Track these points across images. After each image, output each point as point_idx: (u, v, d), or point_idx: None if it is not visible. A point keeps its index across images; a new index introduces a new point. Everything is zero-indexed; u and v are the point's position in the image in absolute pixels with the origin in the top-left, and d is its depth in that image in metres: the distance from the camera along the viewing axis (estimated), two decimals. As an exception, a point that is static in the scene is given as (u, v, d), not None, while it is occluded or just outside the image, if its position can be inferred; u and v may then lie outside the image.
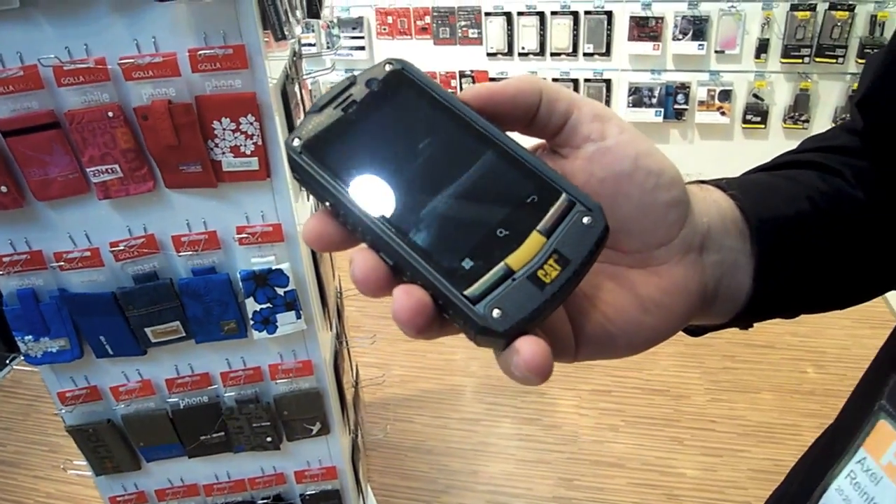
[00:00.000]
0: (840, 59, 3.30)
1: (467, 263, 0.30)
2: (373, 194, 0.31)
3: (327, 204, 0.32)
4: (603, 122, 0.36)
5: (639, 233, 0.37)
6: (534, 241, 0.31)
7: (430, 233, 0.31)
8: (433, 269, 0.30)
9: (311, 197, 0.34)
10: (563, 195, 0.32)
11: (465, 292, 0.30)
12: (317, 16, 1.45)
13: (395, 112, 0.34)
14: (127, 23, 1.16)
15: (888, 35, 3.18)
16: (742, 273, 0.41)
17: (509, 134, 0.35)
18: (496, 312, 0.29)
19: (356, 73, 0.35)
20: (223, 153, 1.26)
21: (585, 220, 0.32)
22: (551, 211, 0.32)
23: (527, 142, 0.39)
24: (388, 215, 0.31)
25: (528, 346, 0.29)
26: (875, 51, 0.47)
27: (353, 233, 0.32)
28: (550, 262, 0.31)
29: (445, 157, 0.33)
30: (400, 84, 0.35)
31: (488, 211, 0.32)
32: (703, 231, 0.39)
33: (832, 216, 0.44)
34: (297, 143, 0.33)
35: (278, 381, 1.54)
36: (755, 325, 0.46)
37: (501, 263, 0.30)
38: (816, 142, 0.51)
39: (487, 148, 0.33)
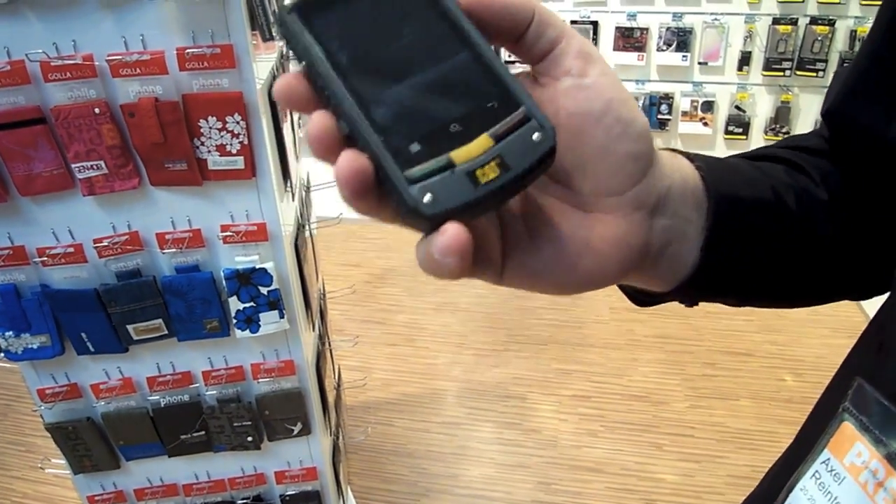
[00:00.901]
0: (820, 73, 3.36)
1: (414, 147, 0.32)
2: (347, 65, 0.33)
3: (303, 63, 0.34)
4: (587, 60, 0.36)
5: (593, 175, 0.37)
6: (481, 142, 0.32)
7: (389, 112, 0.32)
8: (383, 144, 0.32)
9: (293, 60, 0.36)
10: (522, 108, 0.33)
11: (405, 172, 0.31)
12: (305, 18, 1.46)
13: None
14: (115, 19, 1.16)
15: (867, 50, 3.25)
16: (691, 243, 0.41)
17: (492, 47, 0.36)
18: (428, 197, 0.31)
19: None
20: (209, 151, 1.26)
21: (535, 136, 0.33)
22: (506, 119, 0.33)
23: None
24: (355, 87, 0.32)
25: (452, 228, 0.31)
26: (845, 65, 0.49)
27: (319, 96, 0.34)
28: (492, 164, 0.32)
29: (423, 47, 0.34)
30: None
31: (448, 105, 0.33)
32: (661, 193, 0.39)
33: (791, 210, 0.45)
34: (289, 1, 0.34)
35: (260, 381, 1.54)
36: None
37: (445, 155, 0.32)
38: (792, 141, 0.52)
39: (464, 48, 0.34)
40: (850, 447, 0.36)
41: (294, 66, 0.35)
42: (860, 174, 0.47)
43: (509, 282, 0.38)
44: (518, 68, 0.39)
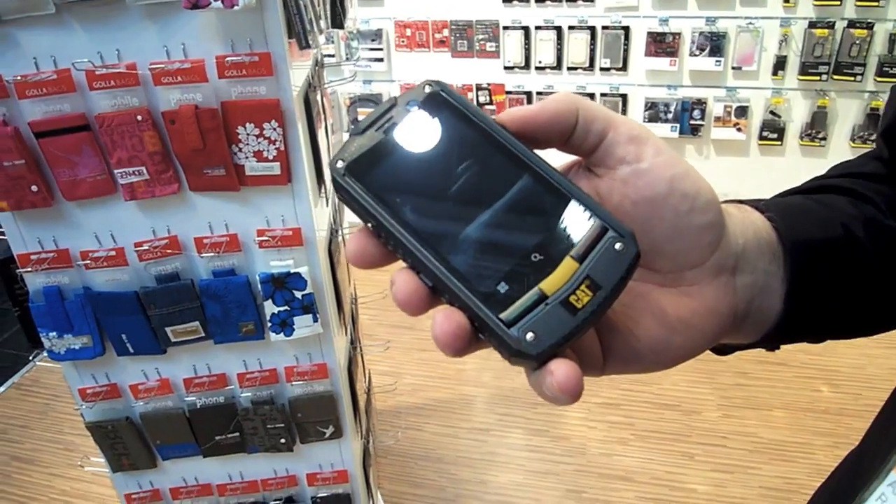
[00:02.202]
0: (858, 77, 3.30)
1: (503, 287, 0.31)
2: (413, 217, 0.33)
3: (369, 225, 0.34)
4: (639, 144, 0.36)
5: (671, 254, 0.37)
6: (567, 267, 0.32)
7: (468, 256, 0.32)
8: (470, 292, 0.31)
9: (351, 212, 0.35)
10: (597, 221, 0.33)
11: (501, 316, 0.31)
12: (341, 26, 1.48)
13: (433, 135, 0.35)
14: (157, 29, 1.19)
15: (906, 54, 3.19)
16: (773, 295, 0.41)
17: (544, 153, 0.36)
18: (530, 336, 0.31)
19: (397, 95, 0.37)
20: (246, 157, 1.29)
21: (618, 245, 0.33)
22: (584, 236, 0.33)
23: (562, 157, 0.40)
24: (427, 238, 0.32)
25: (562, 369, 0.31)
26: None
27: (394, 253, 0.34)
28: (582, 287, 0.32)
29: (482, 182, 0.34)
30: (438, 106, 0.36)
31: (523, 236, 0.33)
32: (738, 252, 0.39)
33: (864, 243, 0.44)
34: (340, 164, 0.34)
35: (293, 384, 1.56)
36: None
37: (535, 288, 0.31)
38: (845, 168, 0.51)
39: (523, 172, 0.34)
40: None
41: (356, 220, 0.35)
42: None
43: (610, 372, 0.38)
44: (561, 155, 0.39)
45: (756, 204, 0.43)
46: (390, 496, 2.39)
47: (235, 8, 1.13)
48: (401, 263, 0.34)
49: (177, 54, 1.21)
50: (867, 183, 0.48)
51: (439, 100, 0.36)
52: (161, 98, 1.23)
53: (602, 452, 2.55)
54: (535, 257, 0.32)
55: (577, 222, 0.33)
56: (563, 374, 0.31)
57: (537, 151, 0.36)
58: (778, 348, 0.46)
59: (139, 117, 1.23)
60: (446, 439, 2.64)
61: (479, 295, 0.31)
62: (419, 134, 0.35)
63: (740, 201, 0.43)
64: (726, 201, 0.41)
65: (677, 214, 0.36)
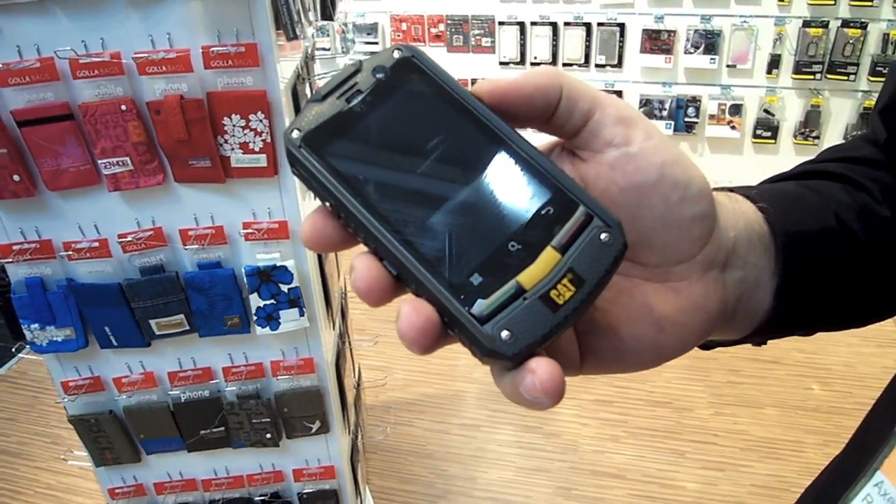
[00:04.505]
0: (852, 77, 3.30)
1: (476, 279, 0.28)
2: (377, 197, 0.29)
3: (327, 204, 0.30)
4: (628, 126, 0.33)
5: (660, 247, 0.35)
6: (548, 258, 0.29)
7: (438, 243, 0.29)
8: (439, 283, 0.28)
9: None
10: (581, 208, 0.30)
11: (473, 311, 0.28)
12: (330, 18, 1.46)
13: (402, 105, 0.32)
14: (142, 18, 1.18)
15: (901, 54, 3.19)
16: (763, 290, 0.39)
17: (524, 133, 0.32)
18: (505, 334, 0.28)
19: (362, 58, 0.33)
20: (232, 149, 1.27)
21: (603, 236, 0.30)
22: (568, 225, 0.30)
23: (542, 138, 0.36)
24: (392, 221, 0.29)
25: (544, 367, 0.28)
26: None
27: (354, 235, 0.30)
28: (564, 281, 0.29)
29: (456, 160, 0.31)
30: (409, 74, 0.32)
31: (500, 222, 0.30)
32: (729, 247, 0.37)
33: (858, 233, 0.42)
34: (296, 135, 0.31)
35: (279, 378, 1.55)
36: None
37: (513, 281, 0.28)
38: (838, 152, 0.49)
39: (502, 151, 0.31)
40: None
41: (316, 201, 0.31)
42: None
43: (589, 372, 0.36)
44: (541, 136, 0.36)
45: (747, 192, 0.41)
46: (379, 492, 2.38)
47: (221, -4, 1.12)
48: (362, 247, 0.31)
49: (162, 44, 1.19)
50: (861, 168, 0.46)
51: (410, 66, 0.32)
52: (146, 88, 1.22)
53: (594, 449, 2.55)
54: (513, 246, 0.29)
55: (559, 209, 0.30)
56: (546, 374, 0.28)
57: (518, 130, 0.33)
58: (765, 343, 0.45)
59: (123, 107, 1.21)
60: (437, 435, 2.63)
61: (450, 286, 0.28)
62: (386, 104, 0.32)
63: (730, 189, 0.41)
64: (716, 189, 0.39)
65: (667, 204, 0.33)
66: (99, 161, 1.26)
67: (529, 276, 0.29)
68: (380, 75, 0.32)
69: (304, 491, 1.75)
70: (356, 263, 0.30)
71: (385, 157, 0.31)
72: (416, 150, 0.31)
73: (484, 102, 0.32)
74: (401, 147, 0.31)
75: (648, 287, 0.35)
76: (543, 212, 0.30)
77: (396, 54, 0.33)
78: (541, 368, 0.28)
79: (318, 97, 0.32)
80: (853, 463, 0.40)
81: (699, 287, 0.36)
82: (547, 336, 0.28)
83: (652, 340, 0.35)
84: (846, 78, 3.31)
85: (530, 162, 0.31)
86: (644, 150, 0.33)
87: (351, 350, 1.95)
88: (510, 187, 0.30)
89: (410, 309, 0.28)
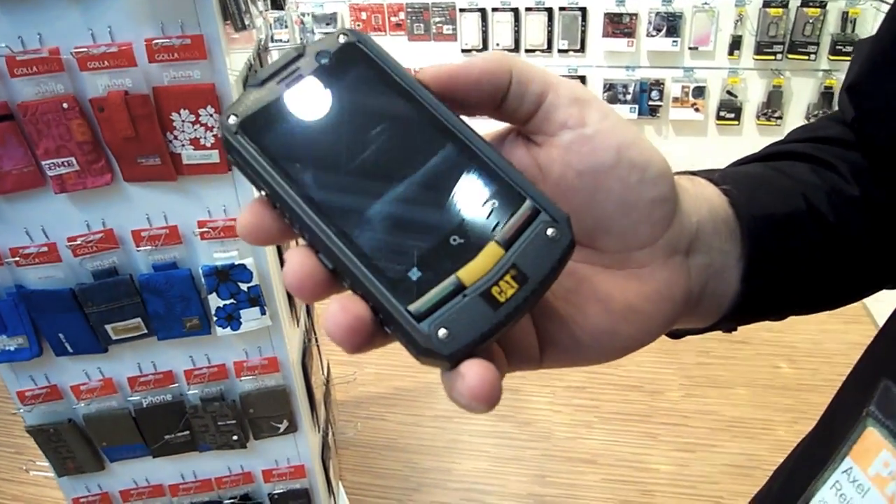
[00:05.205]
0: (812, 56, 3.32)
1: (414, 274, 0.27)
2: (314, 186, 0.28)
3: (264, 193, 0.29)
4: (582, 106, 0.32)
5: (619, 232, 0.33)
6: (490, 253, 0.28)
7: (376, 236, 0.28)
8: (376, 278, 0.27)
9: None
10: (528, 202, 0.29)
11: (410, 308, 0.27)
12: (280, 7, 1.42)
13: (344, 92, 0.30)
14: (81, 11, 1.13)
15: (860, 31, 3.22)
16: (729, 275, 0.38)
17: (476, 120, 0.31)
18: (442, 332, 0.26)
19: (306, 42, 0.32)
20: (183, 145, 1.23)
21: (550, 231, 0.28)
22: (513, 219, 0.28)
23: (495, 124, 0.35)
24: (328, 212, 0.28)
25: (474, 371, 0.26)
26: (863, 38, 0.44)
27: (291, 227, 0.29)
28: (507, 278, 0.27)
29: (398, 150, 0.30)
30: (353, 59, 0.31)
31: (442, 215, 0.28)
32: (692, 231, 0.35)
33: (827, 215, 0.41)
34: (232, 120, 0.29)
35: (243, 379, 1.51)
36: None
37: (452, 276, 0.27)
38: (806, 132, 0.47)
39: (446, 141, 0.30)
40: (876, 455, 0.33)
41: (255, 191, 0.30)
42: (890, 157, 0.43)
43: (549, 365, 0.34)
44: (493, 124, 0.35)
45: (710, 176, 0.40)
46: (353, 488, 2.35)
47: (162, -13, 1.08)
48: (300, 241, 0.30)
49: (103, 38, 1.15)
50: (829, 148, 0.45)
51: (355, 52, 0.31)
52: (88, 84, 1.17)
53: (567, 436, 2.55)
54: (455, 240, 0.28)
55: (505, 202, 0.29)
56: (475, 378, 0.26)
57: (464, 118, 0.31)
58: (735, 330, 0.43)
59: (65, 105, 1.17)
60: (409, 428, 2.62)
61: (386, 281, 0.27)
62: (327, 90, 0.30)
63: (693, 173, 0.40)
64: (678, 173, 0.37)
65: (626, 186, 0.32)
66: (43, 162, 1.21)
67: (470, 272, 0.27)
68: (323, 60, 0.31)
69: (275, 491, 1.72)
70: (290, 256, 0.28)
71: (324, 145, 0.30)
72: (356, 138, 0.30)
73: (430, 90, 0.31)
74: (341, 135, 0.30)
75: (609, 275, 0.34)
76: (488, 205, 0.29)
77: (342, 39, 0.32)
78: (471, 373, 0.26)
79: (256, 82, 0.31)
80: (822, 447, 0.38)
81: (662, 273, 0.34)
82: (486, 335, 0.27)
83: (612, 330, 0.34)
84: (807, 58, 3.33)
85: (476, 153, 0.30)
86: (600, 132, 0.32)
87: (318, 347, 1.92)
88: (454, 179, 0.29)
89: (338, 307, 0.27)
